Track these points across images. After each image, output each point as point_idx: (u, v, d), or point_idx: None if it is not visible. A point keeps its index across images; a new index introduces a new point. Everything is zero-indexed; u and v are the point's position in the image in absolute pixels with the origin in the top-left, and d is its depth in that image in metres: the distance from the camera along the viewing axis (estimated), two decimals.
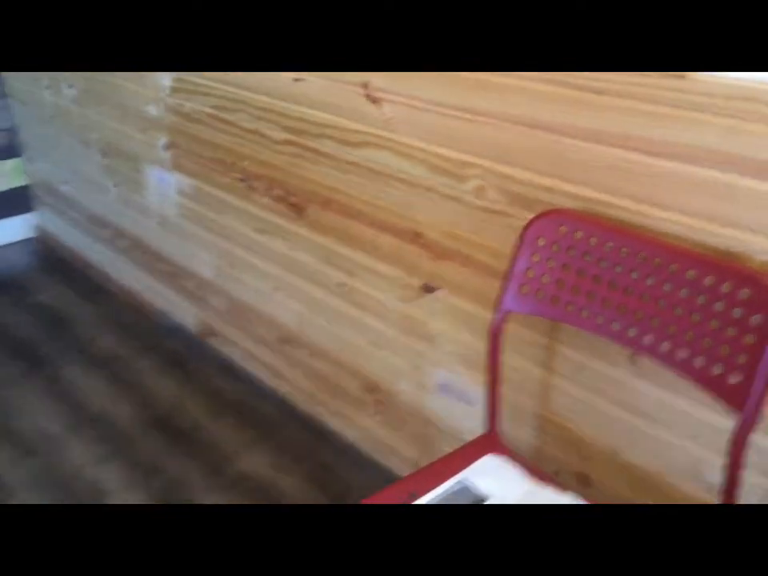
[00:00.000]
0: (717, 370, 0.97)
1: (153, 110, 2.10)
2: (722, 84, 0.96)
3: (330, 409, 1.92)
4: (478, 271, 1.39)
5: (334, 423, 1.92)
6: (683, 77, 1.00)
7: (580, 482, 1.36)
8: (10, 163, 2.97)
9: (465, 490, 1.12)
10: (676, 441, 1.18)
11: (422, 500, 1.09)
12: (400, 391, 1.68)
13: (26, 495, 1.77)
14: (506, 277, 1.18)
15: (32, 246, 3.08)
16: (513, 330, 1.36)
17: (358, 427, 1.85)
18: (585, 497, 1.23)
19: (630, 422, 1.23)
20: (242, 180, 1.89)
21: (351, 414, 1.86)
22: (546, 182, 1.21)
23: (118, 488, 1.80)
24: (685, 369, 1.01)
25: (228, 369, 2.24)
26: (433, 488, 1.12)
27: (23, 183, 3.03)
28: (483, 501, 1.10)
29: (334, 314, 1.78)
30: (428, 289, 1.51)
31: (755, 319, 0.93)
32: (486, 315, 1.41)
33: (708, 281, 0.99)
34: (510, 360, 1.39)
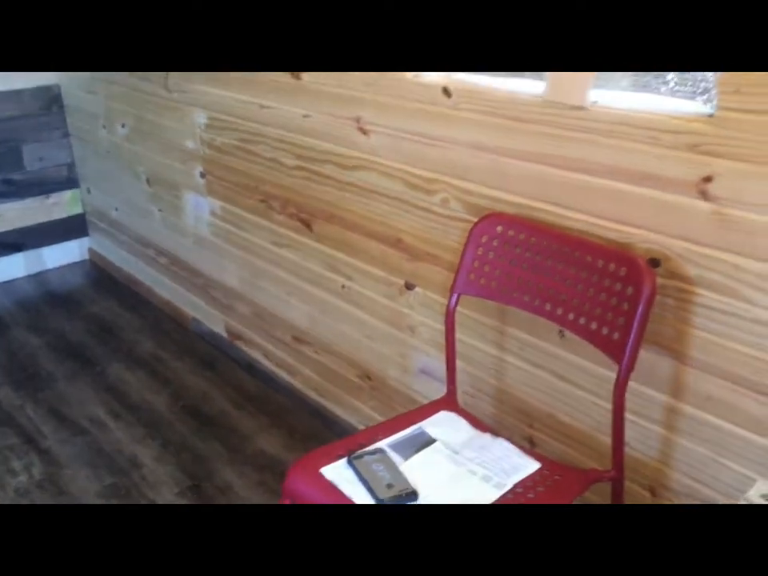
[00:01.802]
0: (605, 330, 1.25)
1: (190, 144, 2.47)
2: (609, 113, 1.26)
3: (333, 396, 2.22)
4: (445, 268, 1.68)
5: (337, 409, 2.22)
6: (582, 108, 1.30)
7: (529, 443, 1.63)
8: (69, 193, 3.38)
9: (420, 434, 1.40)
10: (596, 400, 1.45)
11: (384, 442, 1.38)
12: (389, 377, 1.97)
13: (76, 467, 2.09)
14: (458, 268, 1.48)
15: (86, 266, 3.48)
16: (469, 315, 1.65)
17: (357, 410, 2.14)
18: (533, 456, 1.49)
19: (562, 388, 1.50)
20: (262, 201, 2.23)
21: (350, 399, 2.15)
22: (492, 192, 1.51)
23: (152, 461, 2.11)
24: (585, 332, 1.29)
25: (250, 366, 2.56)
26: (394, 433, 1.40)
27: (80, 211, 3.43)
28: (432, 443, 1.38)
29: (337, 313, 2.08)
30: (408, 286, 1.81)
31: (629, 290, 1.21)
32: None
33: (600, 263, 1.27)
34: (469, 340, 1.68)
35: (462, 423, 1.45)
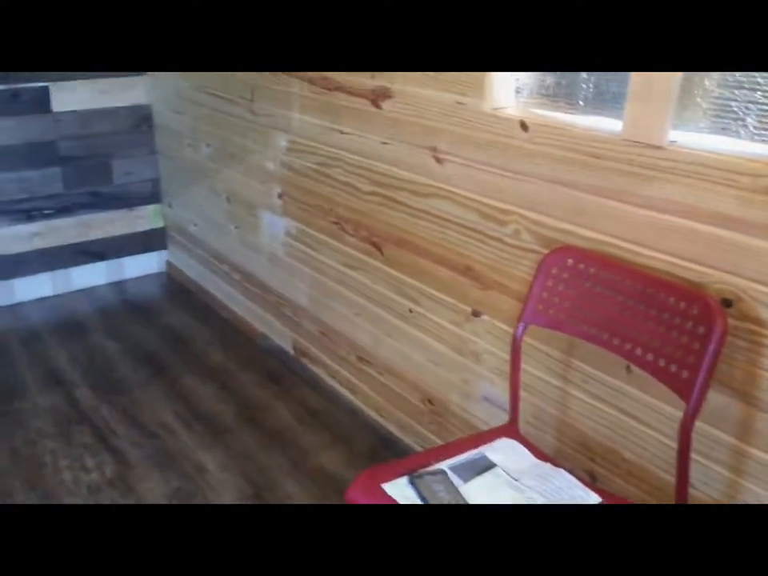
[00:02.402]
0: (673, 368, 1.25)
1: (271, 166, 2.57)
2: (687, 153, 1.27)
3: (394, 418, 2.25)
4: (513, 298, 1.71)
5: (397, 430, 2.25)
6: (660, 148, 1.31)
7: (590, 477, 1.62)
8: (151, 208, 3.54)
9: (480, 459, 1.43)
10: (661, 438, 1.45)
11: (444, 464, 1.41)
12: (451, 402, 2.00)
13: (145, 468, 2.18)
14: (526, 298, 1.50)
15: (163, 277, 3.62)
16: (535, 346, 1.67)
17: (417, 433, 2.17)
18: (593, 490, 1.49)
19: (627, 424, 1.50)
20: (335, 223, 2.30)
21: (411, 422, 2.18)
22: (565, 226, 1.53)
23: (217, 469, 2.18)
24: (653, 368, 1.30)
25: (315, 383, 2.62)
26: (454, 456, 1.43)
27: (161, 225, 3.59)
28: (492, 468, 1.40)
29: (402, 336, 2.13)
30: (476, 314, 1.84)
31: (700, 329, 1.22)
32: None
33: (671, 301, 1.28)
34: (533, 371, 1.69)
35: (523, 451, 1.46)
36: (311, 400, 2.55)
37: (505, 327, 1.76)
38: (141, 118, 3.37)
